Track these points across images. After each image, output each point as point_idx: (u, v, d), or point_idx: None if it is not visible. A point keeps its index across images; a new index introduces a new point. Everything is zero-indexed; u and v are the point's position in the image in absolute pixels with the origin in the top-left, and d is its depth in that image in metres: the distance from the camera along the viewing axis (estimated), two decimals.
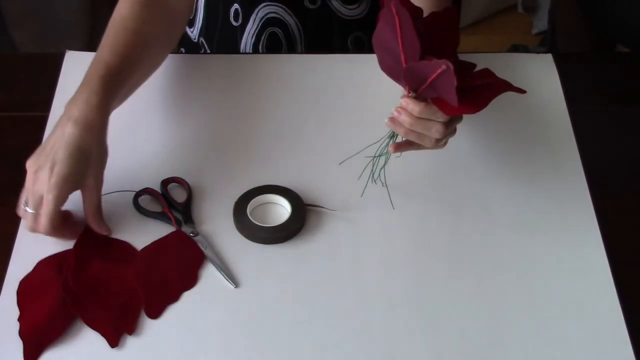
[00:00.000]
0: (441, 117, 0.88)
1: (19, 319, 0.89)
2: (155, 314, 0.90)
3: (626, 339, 0.90)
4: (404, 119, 0.89)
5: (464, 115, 0.95)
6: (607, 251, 0.97)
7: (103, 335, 0.88)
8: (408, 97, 0.88)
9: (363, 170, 1.01)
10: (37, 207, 0.91)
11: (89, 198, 0.94)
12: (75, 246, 0.95)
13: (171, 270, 0.94)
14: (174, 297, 0.92)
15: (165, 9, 1.07)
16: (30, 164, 0.92)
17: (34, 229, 0.92)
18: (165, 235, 0.98)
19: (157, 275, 0.94)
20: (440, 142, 0.92)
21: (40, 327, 0.88)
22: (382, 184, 1.01)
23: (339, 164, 1.02)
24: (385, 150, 0.96)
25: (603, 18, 1.52)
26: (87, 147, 0.92)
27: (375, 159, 0.98)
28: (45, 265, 0.94)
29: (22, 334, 0.88)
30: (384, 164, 0.99)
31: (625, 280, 0.95)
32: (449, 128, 0.90)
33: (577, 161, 1.07)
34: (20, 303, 0.91)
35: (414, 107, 0.88)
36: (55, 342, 0.88)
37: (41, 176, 0.91)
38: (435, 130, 0.89)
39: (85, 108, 0.93)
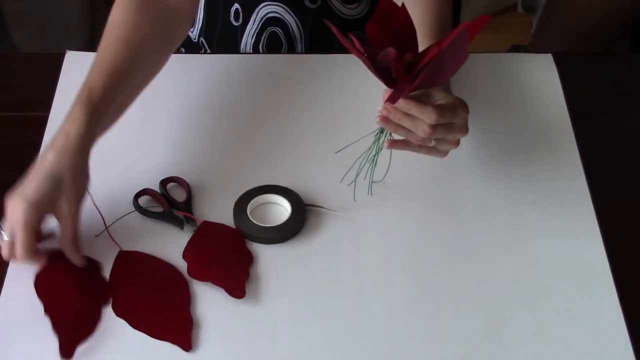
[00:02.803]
0: (428, 118, 0.89)
1: (47, 312, 0.89)
2: (240, 293, 0.91)
3: (626, 339, 0.90)
4: (394, 114, 0.90)
5: None
6: (607, 251, 0.97)
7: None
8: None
9: (351, 170, 1.01)
10: (12, 235, 0.89)
11: (63, 225, 0.91)
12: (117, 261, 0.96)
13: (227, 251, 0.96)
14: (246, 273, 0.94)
15: (161, 11, 1.03)
16: (10, 194, 0.90)
17: (9, 257, 0.90)
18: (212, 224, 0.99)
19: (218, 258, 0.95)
20: (429, 143, 0.93)
21: (74, 321, 0.88)
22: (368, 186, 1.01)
23: (335, 152, 1.01)
24: (372, 151, 0.96)
25: None
26: (60, 171, 0.89)
27: (365, 159, 0.98)
28: (58, 257, 0.93)
29: (56, 328, 0.88)
30: (374, 161, 0.98)
31: (625, 280, 0.95)
32: (437, 131, 0.91)
33: (577, 161, 1.07)
34: (42, 298, 0.90)
35: (404, 104, 0.90)
36: (91, 335, 0.88)
37: (13, 203, 0.89)
38: (422, 130, 0.90)
39: (65, 135, 0.91)
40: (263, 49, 1.28)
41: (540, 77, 1.18)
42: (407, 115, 0.90)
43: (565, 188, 1.04)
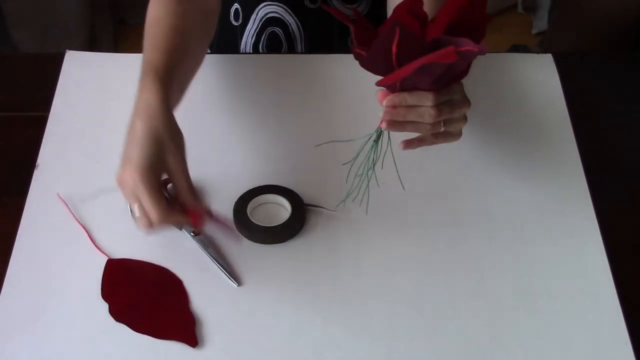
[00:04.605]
0: (428, 100, 0.88)
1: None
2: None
3: (626, 339, 0.90)
4: (397, 112, 0.89)
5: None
6: (607, 251, 0.97)
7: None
8: (393, 93, 0.88)
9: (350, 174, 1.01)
10: (141, 206, 0.88)
11: (177, 181, 0.90)
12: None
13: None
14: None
15: (196, 3, 1.05)
16: (116, 177, 0.90)
17: (148, 228, 0.89)
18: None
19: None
20: (439, 128, 0.91)
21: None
22: (365, 188, 0.99)
23: (315, 145, 1.00)
24: (370, 154, 0.95)
25: None
26: (157, 134, 0.89)
27: (365, 167, 0.96)
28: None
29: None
30: (373, 166, 0.97)
31: (625, 280, 0.95)
32: (442, 111, 0.89)
33: (577, 161, 1.07)
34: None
35: (404, 97, 0.88)
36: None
37: (126, 176, 0.88)
38: (428, 115, 0.88)
39: (146, 104, 0.90)
40: (263, 49, 1.28)
41: (540, 77, 1.18)
42: (409, 107, 0.89)
43: (565, 188, 1.04)
